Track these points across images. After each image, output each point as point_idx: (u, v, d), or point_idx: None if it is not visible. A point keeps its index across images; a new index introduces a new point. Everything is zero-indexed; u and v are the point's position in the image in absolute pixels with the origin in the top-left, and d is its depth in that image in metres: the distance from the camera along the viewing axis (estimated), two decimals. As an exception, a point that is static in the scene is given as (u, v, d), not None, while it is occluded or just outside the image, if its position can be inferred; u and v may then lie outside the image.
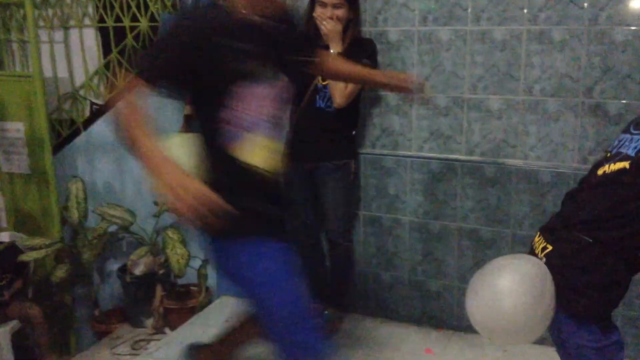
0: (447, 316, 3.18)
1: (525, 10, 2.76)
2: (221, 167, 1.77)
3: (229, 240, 1.79)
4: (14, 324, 3.41)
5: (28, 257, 3.47)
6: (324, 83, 2.86)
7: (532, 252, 1.84)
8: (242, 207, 1.67)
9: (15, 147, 3.76)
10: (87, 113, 3.90)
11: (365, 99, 3.10)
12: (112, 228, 3.71)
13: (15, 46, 4.00)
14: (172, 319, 3.55)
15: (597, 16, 2.64)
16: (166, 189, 1.51)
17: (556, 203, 2.65)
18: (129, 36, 3.61)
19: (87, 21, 3.76)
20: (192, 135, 1.88)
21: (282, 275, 1.79)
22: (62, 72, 3.90)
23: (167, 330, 3.56)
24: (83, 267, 3.73)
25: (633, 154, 1.68)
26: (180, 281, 3.67)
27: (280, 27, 1.85)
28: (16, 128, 3.72)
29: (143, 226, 3.63)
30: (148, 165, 1.58)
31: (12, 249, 3.52)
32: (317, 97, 2.89)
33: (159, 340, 3.39)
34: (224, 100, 1.72)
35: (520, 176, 2.90)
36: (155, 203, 3.62)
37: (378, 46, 2.99)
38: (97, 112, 3.86)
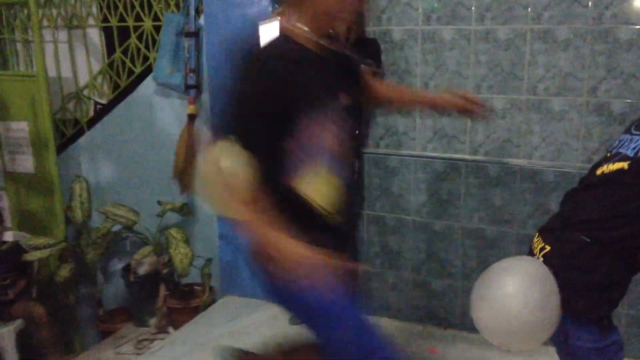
0: (451, 315, 3.18)
1: (529, 10, 2.75)
2: (280, 202, 1.60)
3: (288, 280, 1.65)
4: (18, 323, 3.42)
5: (32, 256, 3.49)
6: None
7: (530, 253, 1.84)
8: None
9: (19, 146, 3.77)
10: (91, 113, 3.92)
11: (368, 99, 3.10)
12: (116, 227, 3.72)
13: (19, 46, 4.01)
14: (175, 318, 3.56)
15: (602, 15, 2.63)
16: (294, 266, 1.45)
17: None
18: (133, 36, 3.62)
19: (91, 21, 3.77)
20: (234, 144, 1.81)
21: (342, 315, 1.67)
22: (66, 72, 3.91)
23: (170, 329, 3.56)
24: (87, 266, 3.74)
25: (632, 155, 1.67)
26: (183, 280, 3.68)
27: (343, 52, 1.75)
28: (20, 128, 3.73)
29: (147, 226, 3.64)
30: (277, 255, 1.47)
31: (16, 248, 3.53)
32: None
33: (162, 339, 3.39)
34: (289, 131, 1.57)
35: (524, 176, 2.90)
36: (159, 203, 3.64)
37: (382, 45, 2.99)
38: (101, 112, 3.87)
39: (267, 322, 3.31)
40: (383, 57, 3.00)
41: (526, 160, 2.89)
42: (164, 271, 3.59)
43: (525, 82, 2.82)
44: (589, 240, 1.68)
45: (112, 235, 3.74)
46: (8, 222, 3.83)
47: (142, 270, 3.65)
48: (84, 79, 3.89)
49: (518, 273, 1.69)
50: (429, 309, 3.24)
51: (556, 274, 1.68)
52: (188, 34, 3.41)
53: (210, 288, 3.62)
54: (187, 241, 3.50)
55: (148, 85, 3.67)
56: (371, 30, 3.04)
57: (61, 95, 3.93)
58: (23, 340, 3.47)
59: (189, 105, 3.50)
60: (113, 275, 4.00)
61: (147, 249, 3.50)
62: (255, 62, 1.57)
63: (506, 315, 1.64)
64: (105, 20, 3.70)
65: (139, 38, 3.62)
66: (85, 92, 3.90)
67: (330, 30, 1.71)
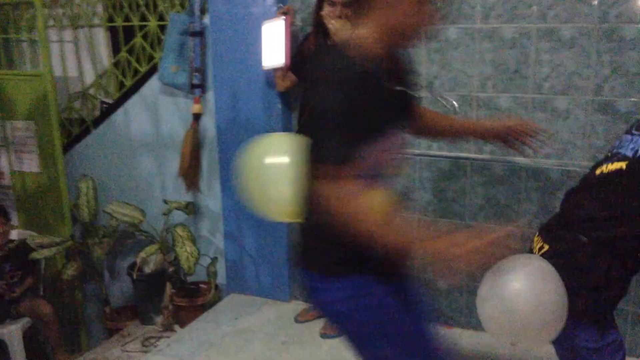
0: (456, 314, 3.18)
1: (534, 8, 2.75)
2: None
3: (336, 280, 1.59)
4: (25, 321, 3.44)
5: (39, 255, 3.51)
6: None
7: (530, 252, 1.84)
8: (352, 249, 1.50)
9: (26, 145, 3.79)
10: (97, 112, 3.93)
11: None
12: (122, 226, 3.73)
13: (25, 45, 4.03)
14: (181, 316, 3.57)
15: (607, 14, 2.63)
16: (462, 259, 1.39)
17: (565, 201, 2.65)
18: (138, 35, 3.63)
19: (96, 20, 3.78)
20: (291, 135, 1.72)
21: (393, 323, 1.60)
22: (72, 71, 3.93)
23: (176, 327, 3.58)
24: (93, 264, 3.76)
25: (631, 155, 1.68)
26: (189, 279, 3.69)
27: (406, 70, 1.66)
28: (27, 127, 3.75)
29: (153, 224, 3.66)
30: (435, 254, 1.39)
31: (23, 246, 3.55)
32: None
33: (168, 337, 3.41)
34: (362, 146, 1.45)
35: (529, 174, 2.90)
36: (165, 201, 3.65)
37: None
38: (107, 111, 3.88)
39: (273, 320, 3.33)
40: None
41: (531, 158, 2.89)
42: (170, 269, 3.61)
43: (531, 80, 2.82)
44: (586, 239, 1.68)
45: (118, 233, 3.76)
46: (15, 221, 3.85)
47: (148, 268, 3.67)
48: (89, 78, 3.90)
49: (527, 270, 1.68)
50: (434, 307, 3.24)
51: None
52: (193, 34, 3.41)
53: (216, 286, 3.63)
54: (193, 239, 3.52)
55: (153, 85, 3.68)
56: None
57: (67, 95, 3.94)
58: (30, 338, 3.50)
59: (194, 104, 3.52)
60: (119, 274, 4.02)
61: (153, 247, 3.51)
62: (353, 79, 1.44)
63: (515, 313, 1.61)
64: (111, 19, 3.71)
65: (144, 37, 3.63)
66: (91, 92, 3.91)
67: (399, 49, 1.60)
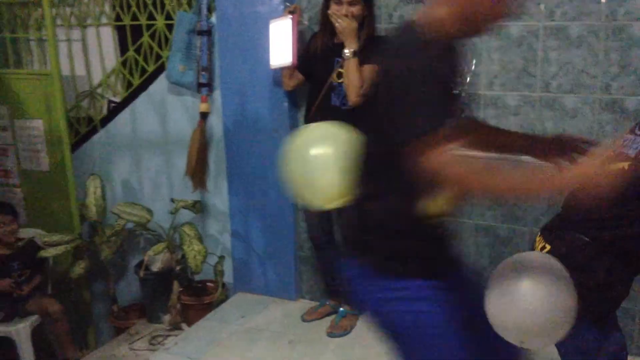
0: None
1: (542, 6, 2.74)
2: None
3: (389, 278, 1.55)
4: (33, 319, 3.46)
5: (47, 253, 3.52)
6: (339, 80, 2.86)
7: None
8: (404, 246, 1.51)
9: (34, 144, 3.81)
10: (105, 111, 3.94)
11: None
12: (130, 225, 3.74)
13: (33, 45, 4.05)
14: (189, 315, 3.58)
15: (615, 12, 2.62)
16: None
17: (573, 200, 2.64)
18: (146, 34, 3.64)
19: (104, 19, 3.79)
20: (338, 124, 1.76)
21: (440, 328, 1.55)
22: (80, 70, 3.94)
23: (184, 325, 3.58)
24: (101, 263, 3.77)
25: (633, 155, 1.67)
26: (197, 277, 3.70)
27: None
28: (35, 126, 3.77)
29: (160, 223, 3.67)
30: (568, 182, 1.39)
31: (32, 245, 3.57)
32: (333, 94, 2.89)
33: (176, 335, 3.42)
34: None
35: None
36: (172, 200, 3.66)
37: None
38: (115, 110, 3.90)
39: (280, 319, 3.33)
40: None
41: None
42: (178, 268, 3.61)
43: (538, 79, 2.81)
44: (588, 239, 1.68)
45: (126, 232, 3.77)
46: (23, 219, 3.87)
47: (156, 267, 3.67)
48: (97, 77, 3.91)
49: (536, 269, 1.66)
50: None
51: None
52: (200, 32, 3.42)
53: (223, 285, 3.64)
54: (200, 238, 3.52)
55: (161, 84, 3.69)
56: (382, 28, 3.03)
57: (75, 94, 3.96)
58: (38, 336, 3.51)
59: (202, 103, 3.52)
60: (127, 272, 4.03)
61: (161, 246, 3.52)
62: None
63: (524, 312, 1.58)
64: (118, 18, 3.72)
65: (152, 36, 3.64)
66: (99, 91, 3.93)
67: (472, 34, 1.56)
